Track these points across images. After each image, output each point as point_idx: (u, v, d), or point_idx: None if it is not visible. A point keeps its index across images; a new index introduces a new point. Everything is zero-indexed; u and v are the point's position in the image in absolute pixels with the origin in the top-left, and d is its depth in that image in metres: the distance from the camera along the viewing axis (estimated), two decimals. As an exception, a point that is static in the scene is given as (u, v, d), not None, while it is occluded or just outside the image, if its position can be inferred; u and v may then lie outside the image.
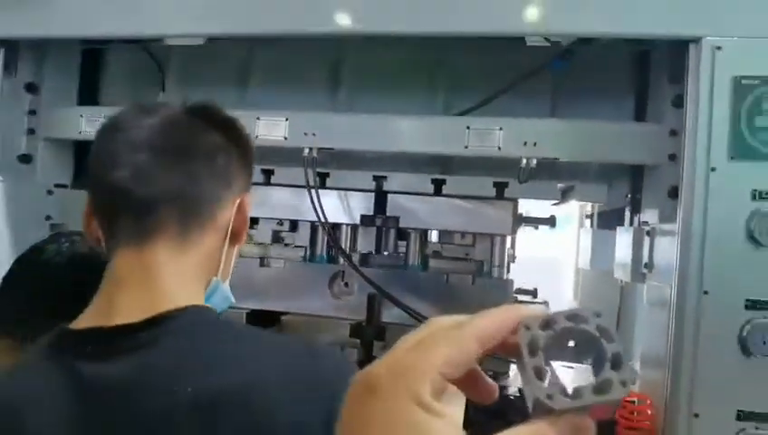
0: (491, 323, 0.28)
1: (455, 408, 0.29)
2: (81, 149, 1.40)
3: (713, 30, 0.87)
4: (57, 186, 1.33)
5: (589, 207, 1.73)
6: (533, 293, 1.61)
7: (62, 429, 0.49)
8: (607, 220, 1.44)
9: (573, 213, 2.12)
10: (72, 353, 0.51)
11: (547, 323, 0.28)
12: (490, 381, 0.31)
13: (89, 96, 1.40)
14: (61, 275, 0.72)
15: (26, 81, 1.29)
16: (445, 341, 0.28)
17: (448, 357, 0.27)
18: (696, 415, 0.82)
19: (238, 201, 0.62)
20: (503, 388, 1.13)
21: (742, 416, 0.81)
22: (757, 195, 0.83)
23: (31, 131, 1.30)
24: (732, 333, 0.82)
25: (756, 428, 0.80)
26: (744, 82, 0.85)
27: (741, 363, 0.82)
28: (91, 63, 1.42)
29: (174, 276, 0.55)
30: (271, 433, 0.48)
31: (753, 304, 0.82)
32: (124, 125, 0.57)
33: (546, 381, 0.27)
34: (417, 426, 0.26)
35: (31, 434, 0.49)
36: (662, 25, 0.91)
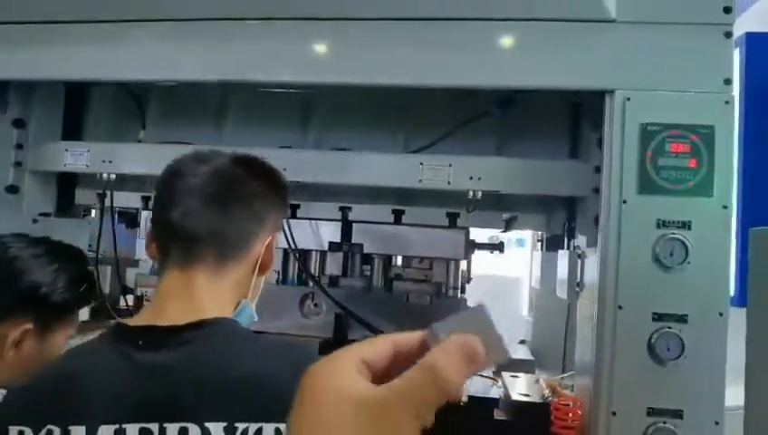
0: (403, 336, 0.37)
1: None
2: (64, 181, 1.48)
3: (623, 83, 1.03)
4: (42, 214, 1.41)
5: (540, 233, 1.89)
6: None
7: (112, 397, 0.61)
8: (554, 244, 1.59)
9: (528, 236, 2.28)
10: (124, 343, 0.65)
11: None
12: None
13: (73, 131, 1.49)
14: None
15: (15, 117, 1.37)
16: (365, 343, 0.37)
17: (366, 349, 0.36)
18: (614, 413, 0.95)
19: (269, 239, 0.77)
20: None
21: (651, 412, 0.94)
22: (661, 223, 0.98)
23: (18, 164, 1.38)
24: (642, 342, 0.95)
25: (664, 422, 0.93)
26: (649, 128, 1.01)
27: (650, 368, 0.95)
28: (75, 101, 1.52)
29: (209, 294, 0.70)
30: (284, 413, 0.62)
31: (659, 317, 0.95)
32: (183, 171, 0.74)
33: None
34: (343, 390, 0.33)
35: (87, 401, 0.61)
36: (583, 79, 1.07)
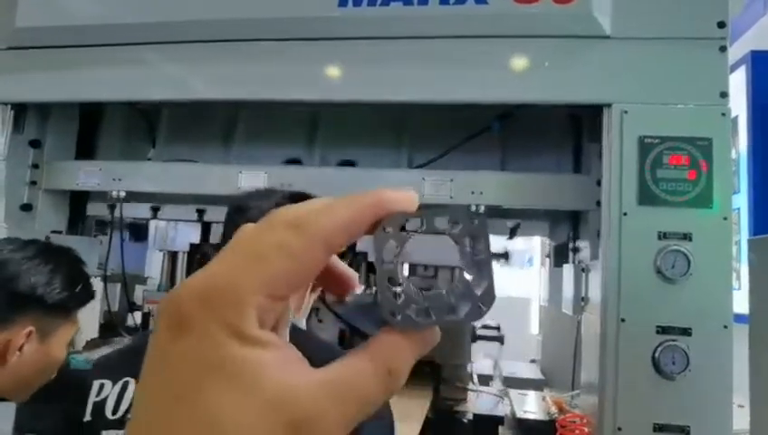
0: (342, 222, 0.22)
1: (285, 328, 0.24)
2: (75, 199, 1.52)
3: (620, 97, 1.04)
4: (53, 232, 1.45)
5: (547, 248, 1.88)
6: (497, 328, 1.74)
7: None
8: (561, 259, 1.58)
9: (537, 255, 2.27)
10: None
11: (409, 222, 0.24)
12: (347, 270, 0.27)
13: (86, 151, 1.54)
14: None
15: (31, 137, 1.42)
16: (277, 252, 0.21)
17: (280, 273, 0.21)
18: (620, 428, 0.93)
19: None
20: (456, 413, 1.23)
21: (658, 428, 0.92)
22: (662, 235, 0.98)
23: (33, 183, 1.42)
24: (646, 356, 0.94)
25: (671, 439, 0.91)
26: (646, 140, 1.01)
27: (655, 382, 0.93)
28: (89, 121, 1.57)
29: None
30: None
31: (663, 330, 0.95)
32: (246, 206, 0.81)
33: (400, 291, 0.23)
34: (233, 362, 0.20)
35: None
36: (580, 93, 1.08)
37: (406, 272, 0.27)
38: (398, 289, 0.23)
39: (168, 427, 0.20)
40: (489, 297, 0.23)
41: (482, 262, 0.23)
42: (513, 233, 1.38)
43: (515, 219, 1.35)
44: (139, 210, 1.48)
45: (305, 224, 0.22)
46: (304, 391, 0.21)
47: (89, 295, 0.88)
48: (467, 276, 0.24)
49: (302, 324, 0.89)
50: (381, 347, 0.23)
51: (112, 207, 1.35)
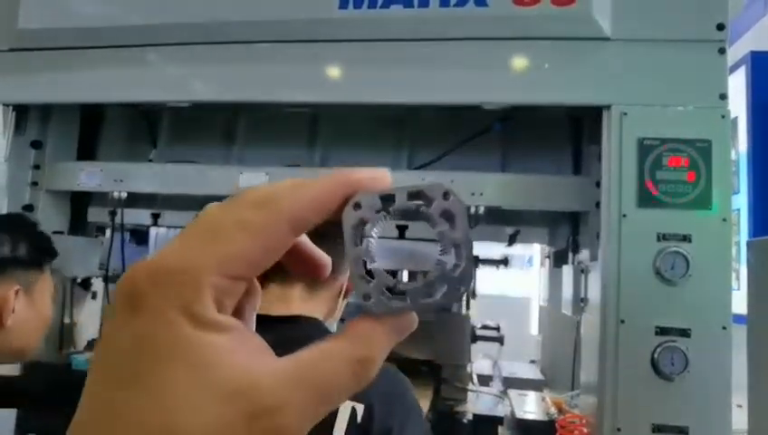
0: (308, 200, 0.21)
1: (251, 314, 0.23)
2: (77, 200, 1.53)
3: (619, 99, 1.04)
4: (55, 232, 1.45)
5: (547, 249, 1.89)
6: (497, 328, 1.74)
7: None
8: (561, 260, 1.59)
9: (537, 255, 2.27)
10: None
11: (383, 201, 0.23)
12: (319, 253, 0.26)
13: (87, 152, 1.54)
14: None
15: (32, 138, 1.43)
16: (236, 229, 0.20)
17: (238, 251, 0.20)
18: (619, 429, 0.94)
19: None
20: (456, 413, 1.23)
21: (656, 428, 0.92)
22: (661, 237, 0.98)
23: (34, 184, 1.43)
24: (645, 357, 0.94)
25: (670, 440, 0.92)
26: (645, 142, 1.02)
27: (654, 383, 0.94)
28: (90, 122, 1.57)
29: (301, 305, 0.84)
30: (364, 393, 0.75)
31: (662, 331, 0.95)
32: (323, 234, 0.87)
33: (373, 273, 0.22)
34: (187, 346, 0.19)
35: None
36: (579, 95, 1.09)
37: (379, 253, 0.24)
38: (371, 271, 0.22)
39: (113, 414, 0.19)
40: (467, 279, 0.22)
41: (459, 242, 0.22)
42: (512, 240, 1.38)
43: (515, 226, 1.35)
44: (140, 217, 1.48)
45: (269, 201, 0.21)
46: (265, 378, 0.20)
47: (53, 249, 1.02)
48: (444, 258, 0.22)
49: (334, 328, 0.91)
50: (354, 333, 0.21)
51: (113, 214, 1.35)
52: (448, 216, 0.22)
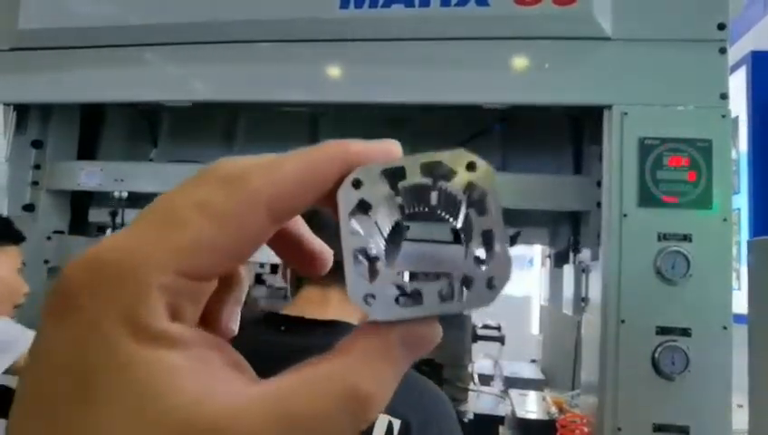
0: (292, 178, 0.17)
1: (230, 317, 0.19)
2: (77, 199, 1.53)
3: (620, 99, 1.04)
4: (55, 232, 1.45)
5: (548, 249, 1.89)
6: (498, 328, 1.74)
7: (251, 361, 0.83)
8: (562, 260, 1.59)
9: (538, 255, 2.28)
10: (264, 326, 0.78)
11: (389, 176, 0.17)
12: (318, 244, 0.21)
13: (88, 151, 1.54)
14: None
15: (33, 138, 1.43)
16: (196, 213, 0.16)
17: (197, 242, 0.15)
18: (619, 429, 0.94)
19: None
20: (457, 413, 1.23)
21: (656, 428, 0.92)
22: (662, 237, 0.98)
23: (35, 183, 1.43)
24: (646, 356, 0.95)
25: (670, 439, 0.92)
26: (646, 142, 1.02)
27: (655, 382, 0.94)
28: (91, 122, 1.57)
29: (341, 310, 0.81)
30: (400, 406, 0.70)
31: (662, 331, 0.95)
32: (319, 211, 0.91)
33: (376, 270, 0.17)
34: (126, 366, 0.14)
35: None
36: (580, 95, 1.09)
37: (384, 243, 0.17)
38: (375, 266, 0.16)
39: None
40: (501, 277, 0.16)
41: (490, 227, 0.16)
42: (512, 241, 1.39)
43: (515, 227, 1.35)
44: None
45: (241, 179, 0.16)
46: (228, 410, 0.14)
47: (13, 229, 1.17)
48: (470, 250, 0.16)
49: None
50: (349, 352, 0.16)
51: (114, 214, 1.35)
52: (476, 194, 0.17)
